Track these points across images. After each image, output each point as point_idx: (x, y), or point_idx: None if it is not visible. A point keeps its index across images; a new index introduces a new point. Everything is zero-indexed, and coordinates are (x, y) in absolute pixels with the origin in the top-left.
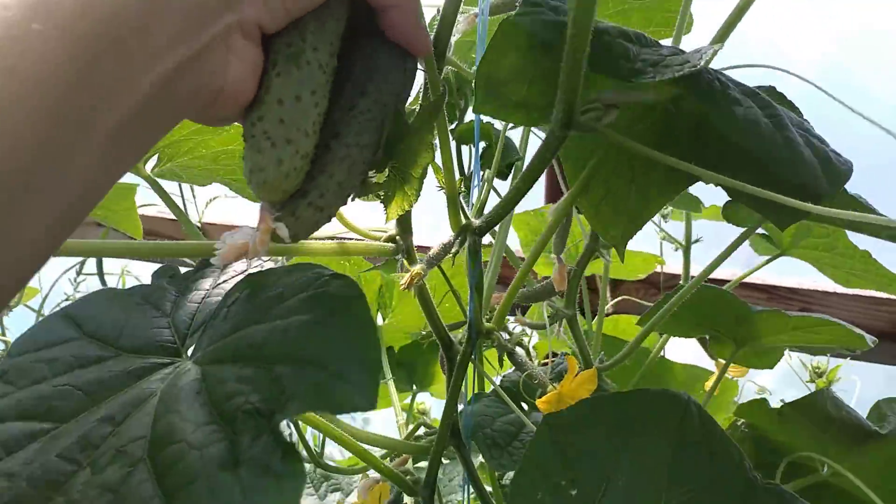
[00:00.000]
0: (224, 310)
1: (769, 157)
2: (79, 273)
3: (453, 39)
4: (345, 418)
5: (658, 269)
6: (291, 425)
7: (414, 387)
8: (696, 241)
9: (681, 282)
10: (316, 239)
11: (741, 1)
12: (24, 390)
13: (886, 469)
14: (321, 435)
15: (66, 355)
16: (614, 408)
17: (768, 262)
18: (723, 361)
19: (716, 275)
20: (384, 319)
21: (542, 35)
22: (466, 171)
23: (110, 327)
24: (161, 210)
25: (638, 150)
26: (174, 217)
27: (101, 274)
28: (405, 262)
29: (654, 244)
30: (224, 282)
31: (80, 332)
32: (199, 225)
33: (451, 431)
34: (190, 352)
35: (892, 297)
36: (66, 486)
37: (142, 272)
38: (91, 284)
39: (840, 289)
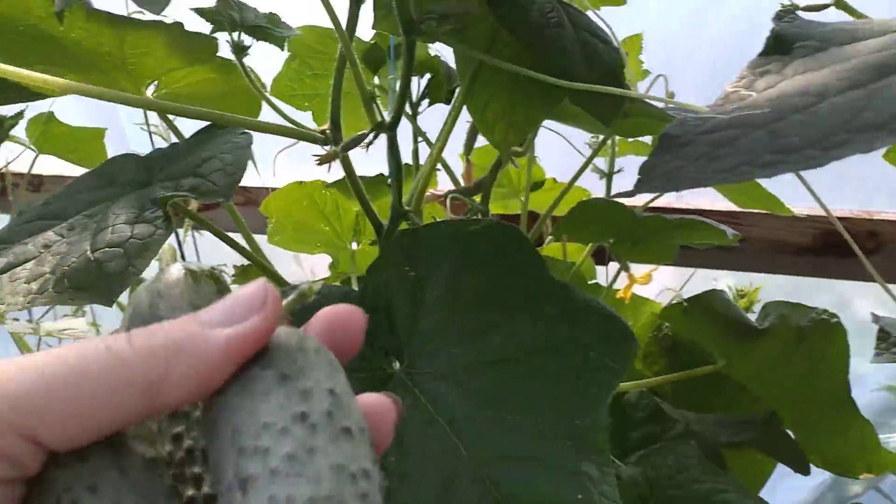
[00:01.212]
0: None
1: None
2: None
3: None
4: None
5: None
6: None
7: None
8: (618, 171)
9: None
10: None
11: None
12: None
13: (766, 360)
14: None
15: None
16: (458, 228)
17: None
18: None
19: (654, 203)
20: (358, 245)
21: None
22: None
23: None
24: None
25: (473, 54)
26: None
27: None
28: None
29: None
30: None
31: None
32: None
33: None
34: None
35: (814, 214)
36: None
37: None
38: None
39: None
